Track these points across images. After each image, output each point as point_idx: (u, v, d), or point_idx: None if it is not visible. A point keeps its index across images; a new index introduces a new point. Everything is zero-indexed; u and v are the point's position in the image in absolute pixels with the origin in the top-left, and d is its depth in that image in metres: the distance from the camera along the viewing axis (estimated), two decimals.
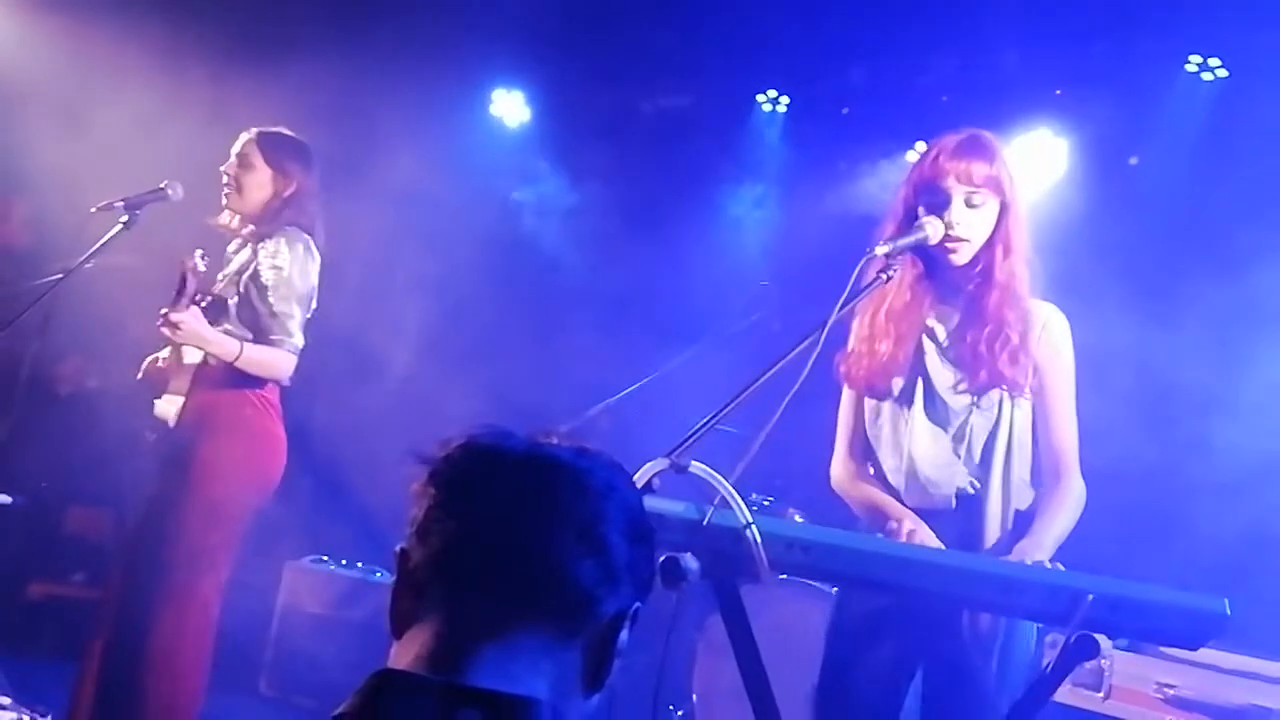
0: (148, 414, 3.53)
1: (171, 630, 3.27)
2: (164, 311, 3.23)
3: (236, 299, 3.43)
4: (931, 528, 2.52)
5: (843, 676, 2.59)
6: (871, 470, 2.69)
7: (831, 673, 2.61)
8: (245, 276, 3.44)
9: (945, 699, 2.54)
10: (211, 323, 3.37)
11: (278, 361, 3.41)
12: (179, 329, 3.25)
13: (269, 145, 3.57)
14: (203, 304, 3.35)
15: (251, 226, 3.57)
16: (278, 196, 3.54)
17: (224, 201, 3.59)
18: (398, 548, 1.19)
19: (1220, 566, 3.66)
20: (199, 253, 3.41)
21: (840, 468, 2.77)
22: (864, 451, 2.73)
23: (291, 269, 3.43)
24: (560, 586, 1.14)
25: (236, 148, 3.59)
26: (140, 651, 3.25)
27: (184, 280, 3.26)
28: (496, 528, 1.14)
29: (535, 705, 1.08)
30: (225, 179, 3.57)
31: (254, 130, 3.61)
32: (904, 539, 2.47)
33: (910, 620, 2.53)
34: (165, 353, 3.53)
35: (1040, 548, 2.40)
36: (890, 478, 2.62)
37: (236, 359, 3.34)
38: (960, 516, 2.56)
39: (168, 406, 3.42)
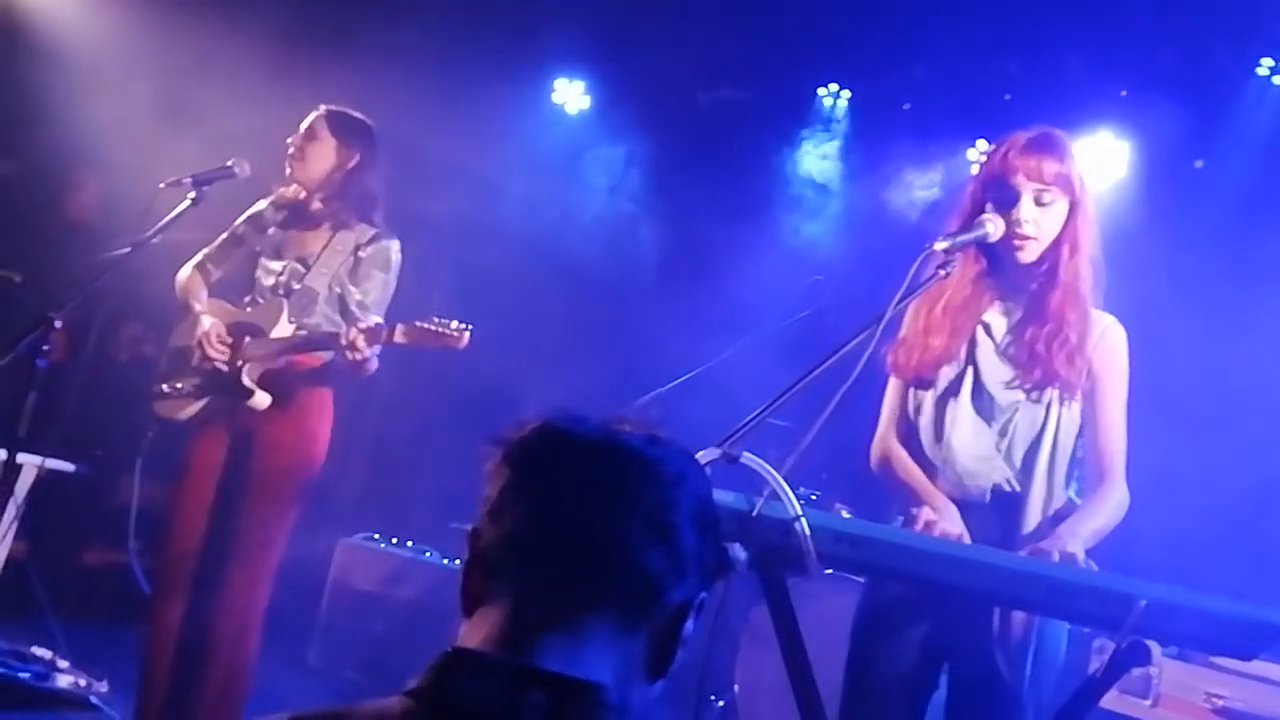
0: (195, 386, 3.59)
1: (246, 596, 3.38)
2: (357, 341, 3.31)
3: (326, 292, 3.54)
4: (970, 521, 2.50)
5: (869, 660, 2.57)
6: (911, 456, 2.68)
7: (858, 657, 2.60)
8: (342, 272, 3.54)
9: (971, 697, 2.52)
10: (301, 312, 3.50)
11: (374, 366, 3.51)
12: (362, 362, 3.36)
13: (335, 119, 3.66)
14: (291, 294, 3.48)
15: (321, 202, 3.62)
16: (340, 169, 3.62)
17: (288, 172, 3.66)
18: (469, 527, 1.20)
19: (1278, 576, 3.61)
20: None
21: (880, 446, 2.75)
22: (906, 435, 2.71)
23: (388, 278, 3.57)
24: (629, 574, 1.14)
25: (305, 122, 3.67)
26: (218, 618, 3.34)
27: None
28: (569, 512, 1.15)
29: (601, 690, 1.09)
30: (290, 150, 3.64)
31: (323, 107, 3.70)
32: (919, 528, 2.43)
33: (940, 614, 2.51)
34: (251, 319, 3.57)
35: (1075, 536, 2.38)
36: (928, 465, 2.60)
37: (367, 367, 3.46)
38: (996, 512, 2.54)
39: (262, 395, 3.48)
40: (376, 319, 3.50)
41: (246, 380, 3.47)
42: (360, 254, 3.57)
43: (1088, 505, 2.52)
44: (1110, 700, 3.37)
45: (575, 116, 6.58)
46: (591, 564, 1.14)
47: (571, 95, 6.58)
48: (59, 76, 5.42)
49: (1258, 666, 3.39)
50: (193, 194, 3.56)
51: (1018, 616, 2.41)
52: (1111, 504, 2.51)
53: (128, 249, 3.54)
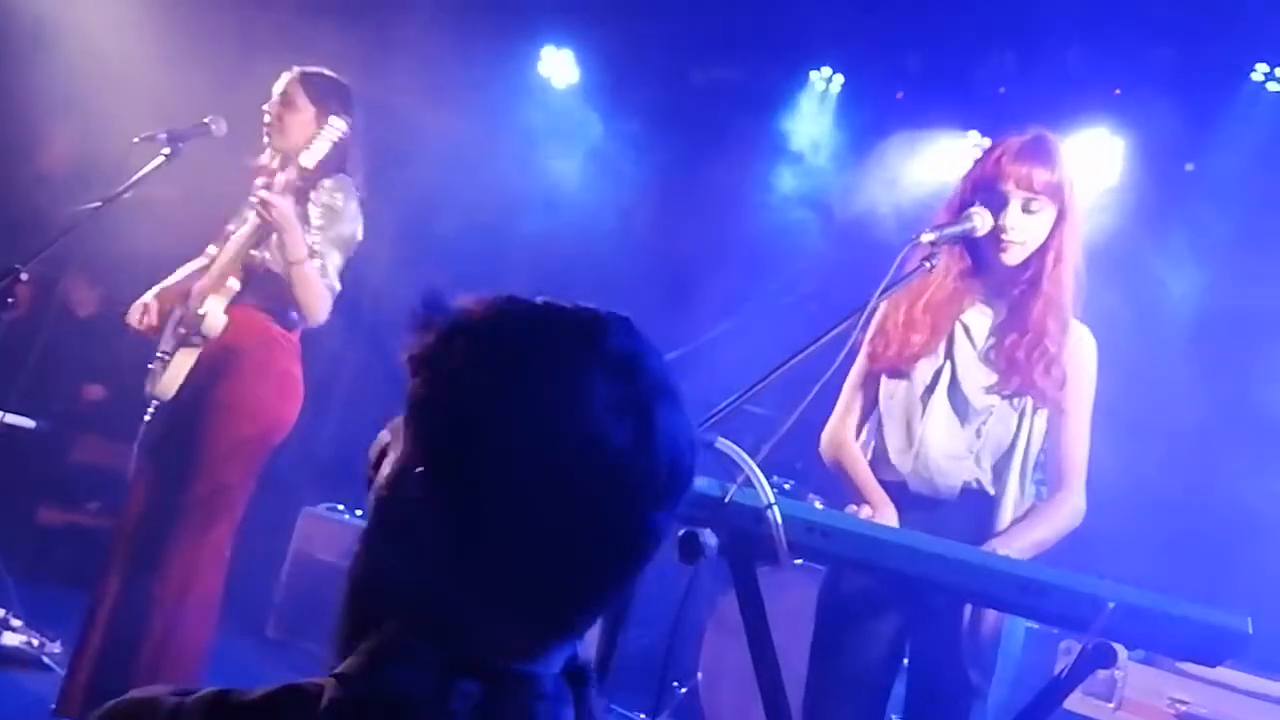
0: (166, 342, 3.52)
1: (187, 566, 3.28)
2: (262, 191, 3.23)
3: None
4: (935, 518, 2.50)
5: (835, 649, 2.58)
6: (873, 447, 2.66)
7: (823, 646, 2.60)
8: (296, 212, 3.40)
9: (933, 690, 2.52)
10: (253, 249, 3.38)
11: (322, 293, 3.37)
12: (272, 209, 3.24)
13: (313, 85, 3.53)
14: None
15: (294, 171, 3.52)
16: (319, 137, 3.51)
17: (265, 140, 3.55)
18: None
19: (1246, 584, 3.61)
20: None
21: (832, 435, 2.74)
22: (860, 423, 2.72)
23: (343, 214, 3.41)
24: (607, 601, 1.03)
25: (279, 86, 3.54)
26: (154, 587, 3.25)
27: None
28: (566, 559, 0.98)
29: (537, 679, 1.01)
30: (267, 118, 3.54)
31: (296, 69, 3.56)
32: None
33: (908, 606, 2.52)
34: (201, 264, 3.49)
35: (1007, 546, 2.39)
36: (894, 458, 2.59)
37: (301, 263, 3.30)
38: (966, 511, 2.54)
39: (216, 318, 3.35)
40: (328, 253, 3.38)
41: (204, 305, 3.36)
42: (311, 193, 3.42)
43: (1033, 515, 2.53)
44: (1074, 702, 3.38)
45: (562, 87, 6.51)
46: (574, 606, 1.01)
47: (559, 66, 6.50)
48: (31, 23, 5.32)
49: (1222, 673, 3.40)
50: (167, 150, 3.50)
51: (989, 613, 2.41)
52: (1062, 514, 2.53)
53: (98, 203, 3.47)
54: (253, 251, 3.39)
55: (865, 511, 2.48)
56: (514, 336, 0.98)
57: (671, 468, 0.99)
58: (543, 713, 1.00)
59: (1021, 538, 2.44)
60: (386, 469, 1.03)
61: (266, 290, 3.39)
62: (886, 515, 2.51)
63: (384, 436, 1.06)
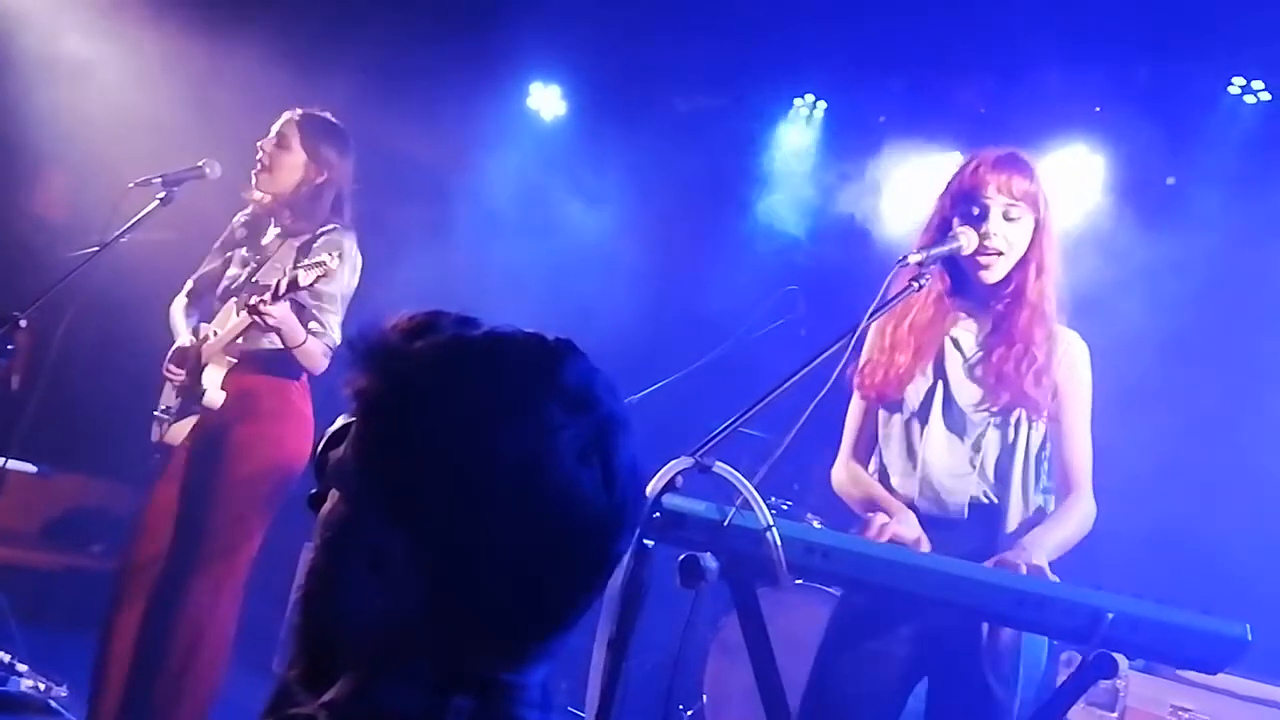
0: (165, 395, 3.56)
1: (207, 604, 3.32)
2: (257, 302, 3.22)
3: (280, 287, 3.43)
4: (945, 537, 2.51)
5: (835, 674, 2.57)
6: (876, 476, 2.68)
7: (824, 670, 2.60)
8: (295, 267, 3.40)
9: (952, 710, 2.52)
10: (244, 340, 3.43)
11: (319, 356, 3.40)
12: (268, 319, 3.24)
13: (308, 129, 3.55)
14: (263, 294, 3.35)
15: (288, 212, 3.56)
16: (308, 182, 3.52)
17: (253, 180, 3.57)
18: None
19: (1243, 591, 3.63)
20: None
21: (841, 470, 2.77)
22: (867, 456, 2.74)
23: (343, 267, 3.40)
24: (583, 612, 1.05)
25: (277, 126, 3.58)
26: (175, 624, 3.28)
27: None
28: (556, 590, 1.01)
29: (525, 689, 1.02)
30: (259, 154, 3.56)
31: (297, 111, 3.58)
32: (873, 532, 2.44)
33: (922, 629, 2.52)
34: (212, 331, 3.53)
35: (1040, 548, 2.41)
36: (900, 484, 2.61)
37: (300, 346, 3.33)
38: (974, 527, 2.55)
39: (215, 393, 3.41)
40: (331, 307, 3.40)
41: (203, 379, 3.41)
42: (313, 244, 3.44)
43: (1054, 516, 2.55)
44: (1076, 713, 3.38)
45: (551, 122, 6.57)
46: (550, 624, 1.03)
47: (547, 100, 6.56)
48: (26, 67, 5.36)
49: (1223, 680, 3.40)
50: (162, 194, 3.53)
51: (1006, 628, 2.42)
52: (1078, 516, 2.55)
53: (95, 248, 3.50)
54: (242, 344, 3.43)
55: (880, 518, 2.47)
56: (473, 380, 0.99)
57: (634, 501, 1.03)
58: None
59: (1048, 538, 2.45)
60: (331, 506, 1.04)
61: (267, 359, 3.44)
62: (905, 520, 2.51)
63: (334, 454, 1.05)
